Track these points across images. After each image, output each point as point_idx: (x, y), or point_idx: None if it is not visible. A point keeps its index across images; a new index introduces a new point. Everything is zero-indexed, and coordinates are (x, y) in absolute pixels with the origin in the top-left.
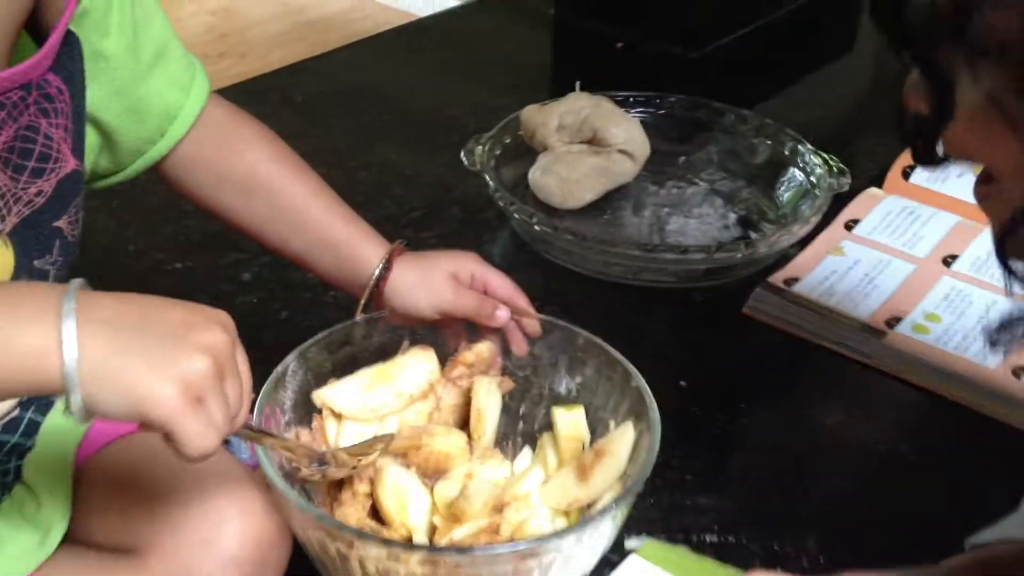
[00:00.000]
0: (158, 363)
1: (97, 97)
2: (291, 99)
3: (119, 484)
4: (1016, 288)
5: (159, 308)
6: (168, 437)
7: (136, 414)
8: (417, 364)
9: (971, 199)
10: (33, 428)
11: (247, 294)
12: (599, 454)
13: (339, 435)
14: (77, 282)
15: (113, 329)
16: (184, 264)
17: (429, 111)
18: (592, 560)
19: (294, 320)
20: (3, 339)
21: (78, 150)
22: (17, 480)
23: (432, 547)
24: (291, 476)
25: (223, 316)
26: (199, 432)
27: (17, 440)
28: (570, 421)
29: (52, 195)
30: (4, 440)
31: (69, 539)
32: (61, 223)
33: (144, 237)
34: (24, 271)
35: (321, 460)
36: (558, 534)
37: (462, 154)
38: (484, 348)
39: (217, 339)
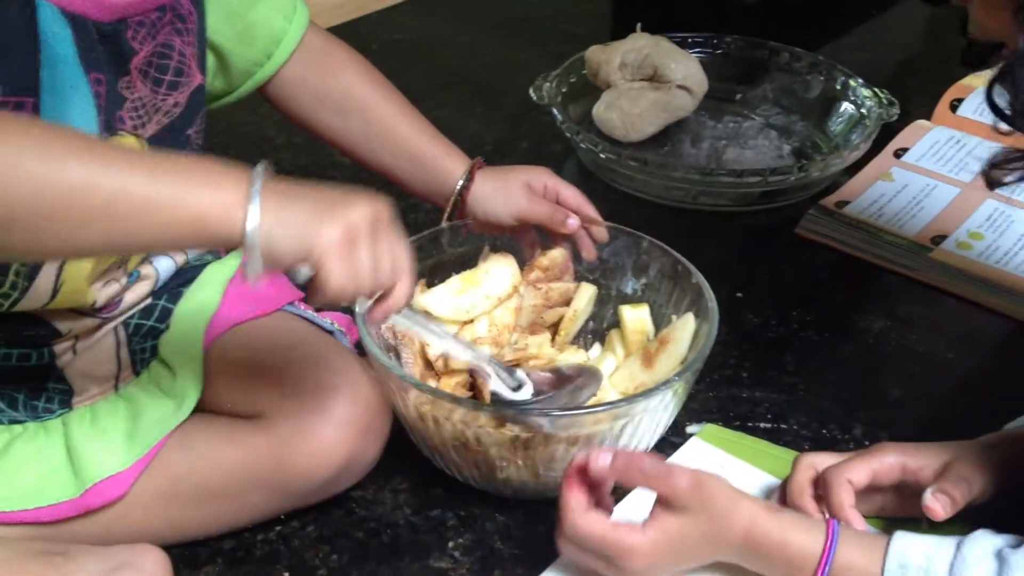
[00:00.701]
0: (325, 213)
1: (213, 20)
2: (368, 46)
3: (243, 361)
4: (1003, 127)
5: (321, 186)
6: (314, 277)
7: (300, 249)
8: (500, 269)
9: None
10: (166, 314)
11: None
12: (663, 343)
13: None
14: (263, 163)
15: (289, 194)
16: None
17: (498, 57)
18: (658, 429)
19: None
20: (195, 194)
21: (203, 66)
22: (154, 357)
23: (519, 406)
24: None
25: (383, 200)
26: (341, 271)
27: (152, 324)
28: (636, 317)
29: (185, 106)
30: (141, 324)
31: (201, 408)
32: (192, 131)
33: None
34: None
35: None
36: (629, 399)
37: (531, 91)
38: (558, 254)
39: (378, 207)
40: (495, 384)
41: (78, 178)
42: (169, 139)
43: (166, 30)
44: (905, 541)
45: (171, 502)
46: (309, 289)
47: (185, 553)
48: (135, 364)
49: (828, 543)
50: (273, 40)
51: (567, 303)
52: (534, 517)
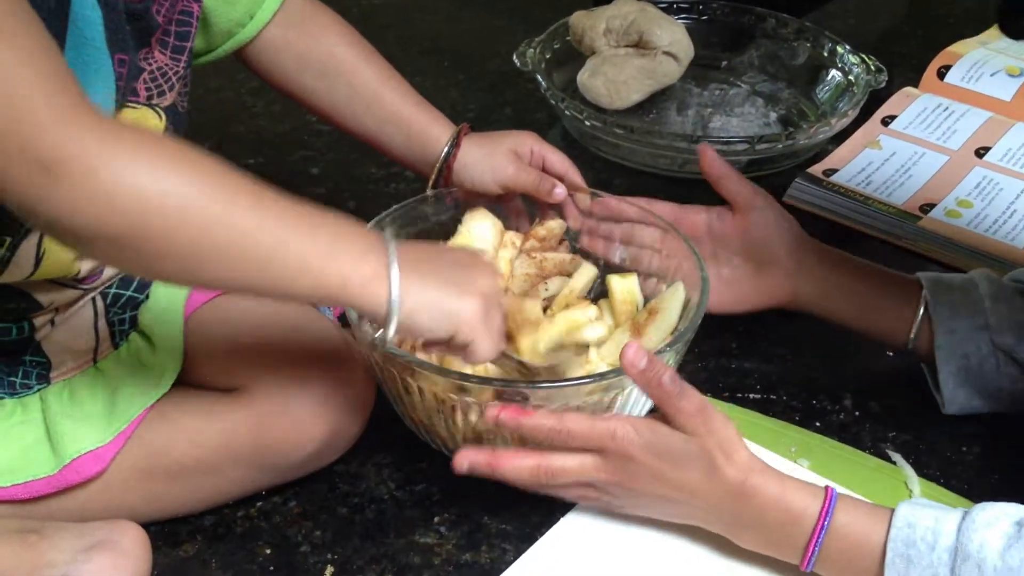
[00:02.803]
0: (463, 288)
1: None
2: (347, 11)
3: (223, 334)
4: None
5: (440, 250)
6: (460, 347)
7: (448, 327)
8: (478, 222)
9: (1003, 96)
10: (145, 283)
11: (316, 186)
12: (652, 313)
13: None
14: (389, 231)
15: (420, 268)
16: (256, 160)
17: (478, 23)
18: (648, 402)
19: (363, 209)
20: (340, 261)
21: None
22: (132, 328)
23: (503, 380)
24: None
25: (488, 258)
26: (487, 343)
27: (131, 294)
28: (625, 287)
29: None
30: (120, 293)
31: (180, 382)
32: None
33: (217, 136)
34: None
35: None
36: (618, 371)
37: (514, 57)
38: (555, 224)
39: (493, 271)
40: None
41: (245, 226)
42: (177, 108)
43: None
44: (911, 510)
45: (149, 478)
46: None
47: (164, 530)
48: (114, 336)
49: (827, 502)
50: (255, 0)
51: (561, 274)
52: (522, 491)
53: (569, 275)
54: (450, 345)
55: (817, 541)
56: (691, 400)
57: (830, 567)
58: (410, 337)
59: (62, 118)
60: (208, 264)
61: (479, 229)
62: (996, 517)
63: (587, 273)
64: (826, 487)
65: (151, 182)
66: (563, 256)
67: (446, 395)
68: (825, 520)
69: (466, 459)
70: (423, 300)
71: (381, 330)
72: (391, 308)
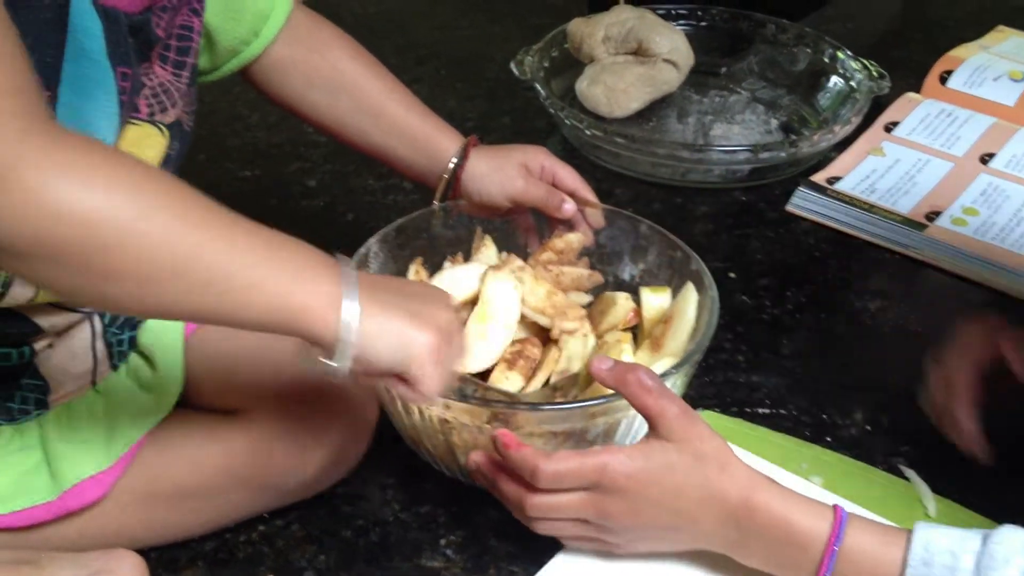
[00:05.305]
0: (419, 320)
1: None
2: (343, 19)
3: (223, 354)
4: None
5: (400, 281)
6: (406, 380)
7: (401, 358)
8: (501, 289)
9: (1007, 101)
10: None
11: (313, 199)
12: (667, 321)
13: None
14: (345, 258)
15: (379, 295)
16: (252, 172)
17: (474, 31)
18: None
19: (361, 221)
20: (294, 288)
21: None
22: (132, 349)
23: (507, 402)
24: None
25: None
26: (435, 377)
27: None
28: (658, 304)
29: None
30: (121, 315)
31: (180, 404)
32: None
33: (213, 148)
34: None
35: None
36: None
37: (512, 65)
38: (574, 238)
39: (451, 305)
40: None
41: (194, 247)
42: (183, 126)
43: (184, 11)
44: (928, 533)
45: (149, 502)
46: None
47: (164, 556)
48: (112, 357)
49: (837, 524)
50: (260, 17)
51: (578, 289)
52: None
53: (586, 291)
54: (398, 377)
55: (828, 567)
56: (674, 401)
57: None
58: (360, 366)
59: (9, 125)
60: (154, 286)
61: (500, 296)
62: (1015, 552)
63: (624, 307)
64: (835, 507)
65: (98, 197)
66: (581, 271)
67: (442, 418)
68: (835, 545)
69: (476, 460)
70: (381, 328)
71: (331, 362)
72: (348, 334)
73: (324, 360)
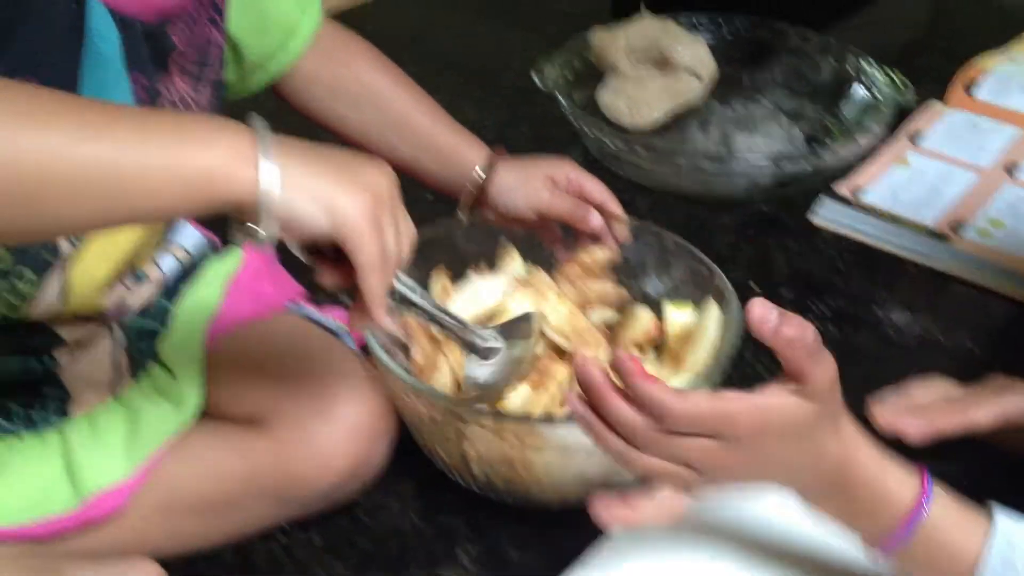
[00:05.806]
0: (348, 179)
1: (229, 9)
2: (362, 28)
3: (244, 364)
4: None
5: (324, 145)
6: (346, 245)
7: (328, 219)
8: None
9: None
10: (163, 312)
11: None
12: (688, 338)
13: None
14: (259, 117)
15: (302, 152)
16: None
17: (492, 40)
18: None
19: None
20: (190, 154)
21: (223, 59)
22: (152, 359)
23: (521, 417)
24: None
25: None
26: (373, 245)
27: (149, 323)
28: (682, 321)
29: (208, 103)
30: (138, 323)
31: (203, 414)
32: None
33: None
34: None
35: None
36: None
37: (533, 75)
38: (601, 253)
39: (388, 173)
40: (470, 368)
41: (81, 149)
42: None
43: (203, 22)
44: (1010, 527)
45: (169, 512)
46: (320, 272)
47: (184, 565)
48: (133, 367)
49: (923, 492)
50: (288, 31)
51: (604, 305)
52: (548, 523)
53: (612, 307)
54: (337, 247)
55: (909, 529)
56: (827, 368)
57: (908, 561)
58: (289, 233)
59: None
60: (50, 202)
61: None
62: None
63: (644, 321)
64: (923, 471)
65: None
66: (607, 287)
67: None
68: (922, 510)
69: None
70: (304, 184)
71: (257, 227)
72: (264, 192)
73: (251, 226)
